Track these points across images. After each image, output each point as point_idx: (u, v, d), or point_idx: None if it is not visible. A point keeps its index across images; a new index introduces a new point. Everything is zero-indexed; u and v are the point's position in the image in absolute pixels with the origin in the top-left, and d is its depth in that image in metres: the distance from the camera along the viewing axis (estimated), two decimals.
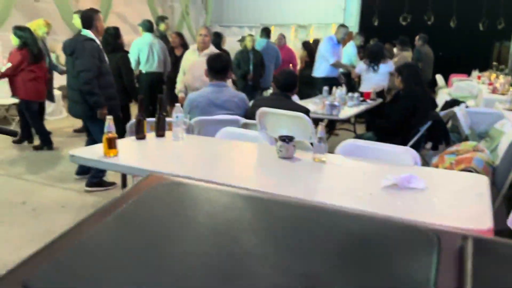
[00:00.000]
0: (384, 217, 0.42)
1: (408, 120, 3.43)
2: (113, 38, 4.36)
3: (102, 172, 3.56)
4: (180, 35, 6.28)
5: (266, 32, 6.89)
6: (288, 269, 0.35)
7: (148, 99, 5.51)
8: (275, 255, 0.36)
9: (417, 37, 7.82)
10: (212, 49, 4.30)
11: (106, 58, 3.59)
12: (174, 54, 5.79)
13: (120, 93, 4.40)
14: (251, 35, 6.63)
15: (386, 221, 0.42)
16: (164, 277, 0.32)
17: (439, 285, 0.38)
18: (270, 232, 0.39)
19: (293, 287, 0.33)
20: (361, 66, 5.70)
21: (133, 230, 0.37)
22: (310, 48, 7.61)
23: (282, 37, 7.41)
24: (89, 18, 3.47)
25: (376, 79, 5.48)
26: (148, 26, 5.49)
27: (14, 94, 4.79)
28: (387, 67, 5.50)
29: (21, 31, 4.61)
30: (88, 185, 3.54)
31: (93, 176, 3.55)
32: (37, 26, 4.94)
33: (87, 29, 3.46)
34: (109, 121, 2.08)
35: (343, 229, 0.40)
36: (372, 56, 5.52)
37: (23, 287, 0.31)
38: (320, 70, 6.02)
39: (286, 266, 0.35)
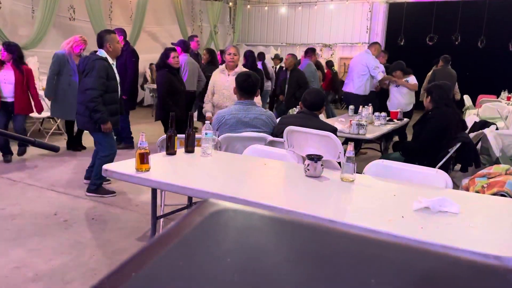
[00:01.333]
0: (454, 255, 0.42)
1: (437, 141, 3.38)
2: (161, 58, 4.71)
3: (100, 179, 3.80)
4: (209, 52, 6.44)
5: (310, 52, 6.96)
6: None
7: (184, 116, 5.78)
8: None
9: (440, 58, 7.75)
10: (241, 68, 4.39)
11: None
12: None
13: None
14: (292, 54, 6.63)
15: (458, 259, 0.42)
16: None
17: None
18: (334, 268, 0.39)
19: None
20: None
21: (195, 261, 0.39)
22: (322, 67, 7.65)
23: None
24: (101, 38, 3.70)
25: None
26: (186, 46, 5.75)
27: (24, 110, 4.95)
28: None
29: (12, 47, 4.88)
30: (88, 190, 3.82)
31: (91, 183, 3.82)
32: (74, 42, 5.14)
33: (100, 48, 3.70)
34: (142, 136, 2.15)
35: (410, 266, 0.40)
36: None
37: None
38: (363, 87, 5.94)
39: None
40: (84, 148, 5.56)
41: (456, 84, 7.86)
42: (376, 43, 6.21)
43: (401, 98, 6.01)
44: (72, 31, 7.87)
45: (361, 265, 0.39)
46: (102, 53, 3.67)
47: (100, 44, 3.69)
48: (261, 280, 0.36)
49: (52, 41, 7.41)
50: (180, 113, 4.88)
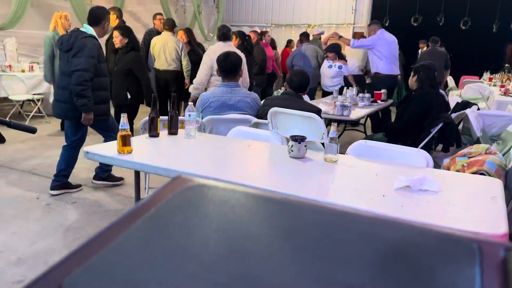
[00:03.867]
0: (420, 225, 0.42)
1: (419, 122, 3.41)
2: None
3: (109, 166, 3.58)
4: (187, 32, 6.18)
5: (305, 36, 6.99)
6: (326, 280, 0.35)
7: (161, 97, 5.61)
8: (310, 264, 0.36)
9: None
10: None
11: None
12: None
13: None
14: (254, 31, 6.64)
15: (423, 229, 0.43)
16: (197, 282, 0.33)
17: None
18: (304, 240, 0.39)
19: None
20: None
21: (165, 234, 0.38)
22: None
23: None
24: (99, 15, 3.32)
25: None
26: (170, 25, 5.59)
27: None
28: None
29: None
30: (95, 178, 3.64)
31: (101, 170, 3.61)
32: (57, 18, 5.06)
33: (93, 26, 3.28)
34: (124, 118, 2.11)
35: (377, 237, 0.41)
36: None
37: None
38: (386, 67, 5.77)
39: (322, 276, 0.35)
40: None
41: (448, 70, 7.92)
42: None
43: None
44: (51, 10, 7.61)
45: (330, 236, 0.39)
46: (90, 30, 3.24)
47: (96, 22, 3.28)
48: (232, 252, 0.36)
49: (30, 21, 7.18)
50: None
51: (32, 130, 1.42)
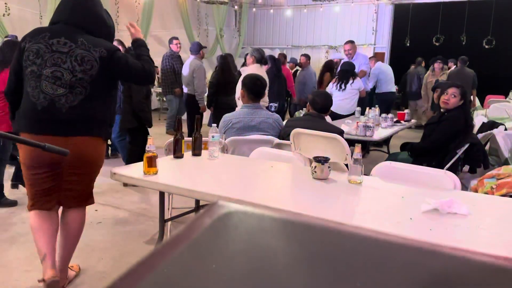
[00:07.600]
0: (464, 255, 0.42)
1: (447, 143, 3.35)
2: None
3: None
4: (220, 59, 6.16)
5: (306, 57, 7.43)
6: None
7: (188, 119, 5.91)
8: None
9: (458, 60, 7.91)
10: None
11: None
12: None
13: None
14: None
15: (467, 260, 0.42)
16: None
17: None
18: (347, 269, 0.39)
19: None
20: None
21: (206, 262, 0.39)
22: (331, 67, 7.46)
23: (281, 57, 7.55)
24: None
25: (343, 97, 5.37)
26: (194, 48, 5.90)
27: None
28: (356, 84, 5.38)
29: None
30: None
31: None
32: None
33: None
34: (150, 140, 2.16)
35: (420, 267, 0.40)
36: (341, 75, 5.44)
37: None
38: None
39: None
40: None
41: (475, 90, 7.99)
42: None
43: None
44: None
45: (372, 266, 0.39)
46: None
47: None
48: (272, 281, 0.36)
49: None
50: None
51: (64, 153, 1.47)
